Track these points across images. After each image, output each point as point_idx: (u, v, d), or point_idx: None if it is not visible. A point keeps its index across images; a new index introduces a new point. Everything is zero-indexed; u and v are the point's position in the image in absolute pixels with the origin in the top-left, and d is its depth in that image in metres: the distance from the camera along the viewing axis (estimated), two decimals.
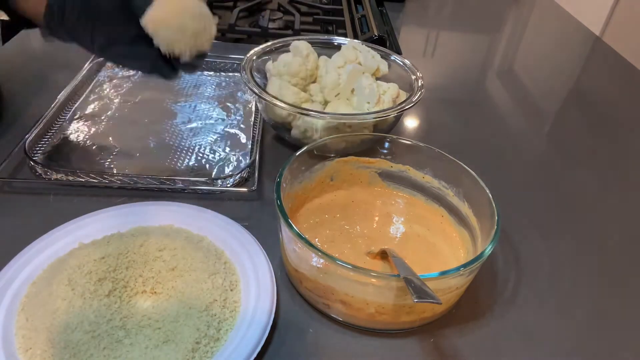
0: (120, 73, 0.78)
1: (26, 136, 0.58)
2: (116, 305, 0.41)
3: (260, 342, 0.39)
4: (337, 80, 0.64)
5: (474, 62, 1.02)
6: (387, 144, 0.55)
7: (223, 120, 0.70)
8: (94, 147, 0.61)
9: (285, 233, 0.43)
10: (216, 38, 0.93)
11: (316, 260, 0.41)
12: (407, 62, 0.69)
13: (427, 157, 0.53)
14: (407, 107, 0.60)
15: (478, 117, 0.81)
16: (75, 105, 0.69)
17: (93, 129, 0.65)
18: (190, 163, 0.61)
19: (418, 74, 0.66)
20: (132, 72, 0.79)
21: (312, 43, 0.69)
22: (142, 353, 0.38)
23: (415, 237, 0.51)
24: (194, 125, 0.68)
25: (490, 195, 0.46)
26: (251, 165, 0.59)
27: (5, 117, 0.66)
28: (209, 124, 0.68)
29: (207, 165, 0.61)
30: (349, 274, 0.39)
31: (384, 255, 0.47)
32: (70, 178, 0.55)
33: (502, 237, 0.54)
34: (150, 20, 0.46)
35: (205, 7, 0.50)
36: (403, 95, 0.66)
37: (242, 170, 0.58)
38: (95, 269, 0.42)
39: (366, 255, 0.47)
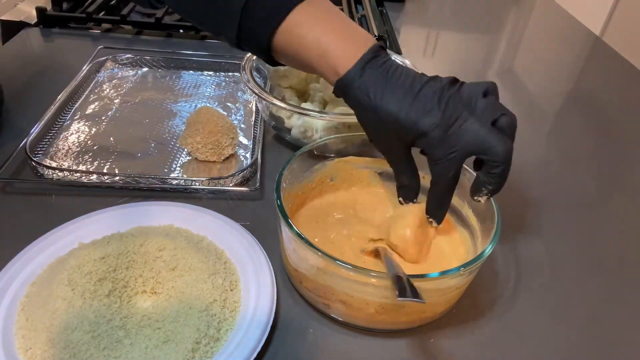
0: (120, 73, 0.78)
1: (27, 137, 0.58)
2: (116, 305, 0.41)
3: (260, 342, 0.39)
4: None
5: (474, 62, 1.02)
6: None
7: None
8: (95, 147, 0.61)
9: (285, 233, 0.43)
10: (216, 38, 0.92)
11: (316, 260, 0.41)
12: (407, 62, 0.69)
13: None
14: None
15: None
16: (76, 106, 0.69)
17: (94, 129, 0.65)
18: (191, 163, 0.61)
19: None
20: (131, 73, 0.79)
21: None
22: (142, 353, 0.38)
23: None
24: None
25: None
26: (253, 165, 0.59)
27: (6, 117, 0.66)
28: None
29: (208, 165, 0.61)
30: (349, 274, 0.39)
31: (377, 253, 0.47)
32: (72, 178, 0.55)
33: (502, 237, 0.54)
34: None
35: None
36: None
37: (245, 170, 0.58)
38: (95, 269, 0.42)
39: (360, 252, 0.48)
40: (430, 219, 0.46)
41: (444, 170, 0.42)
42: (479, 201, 0.44)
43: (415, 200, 0.48)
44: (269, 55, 0.47)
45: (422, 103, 0.40)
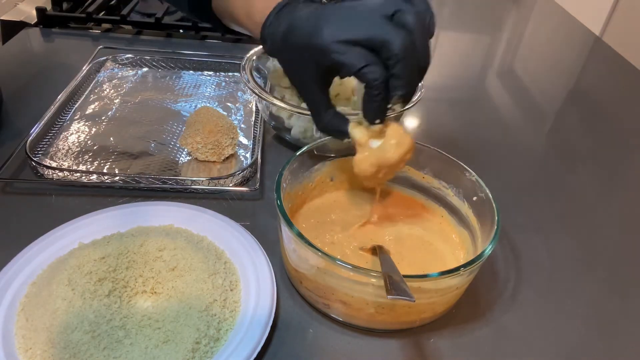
0: (120, 73, 0.78)
1: (27, 137, 0.58)
2: (116, 305, 0.41)
3: (260, 342, 0.39)
4: (337, 80, 0.64)
5: (474, 62, 1.02)
6: None
7: None
8: (95, 147, 0.61)
9: (285, 233, 0.43)
10: (216, 38, 0.93)
11: (316, 260, 0.41)
12: None
13: (427, 157, 0.53)
14: (407, 107, 0.60)
15: (478, 117, 0.81)
16: (76, 106, 0.69)
17: (94, 129, 0.65)
18: (191, 163, 0.61)
19: None
20: (131, 73, 0.79)
21: None
22: (142, 353, 0.38)
23: (415, 237, 0.51)
24: None
25: (490, 195, 0.46)
26: (253, 165, 0.59)
27: (6, 117, 0.66)
28: None
29: (208, 165, 0.61)
30: (349, 274, 0.39)
31: (374, 251, 0.47)
32: (72, 178, 0.55)
33: (502, 237, 0.54)
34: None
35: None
36: None
37: (245, 170, 0.58)
38: (95, 269, 0.42)
39: (358, 250, 0.48)
40: (377, 121, 0.42)
41: (359, 71, 0.38)
42: (393, 110, 0.41)
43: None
44: (216, 18, 0.50)
45: (320, 20, 0.40)
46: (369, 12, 0.38)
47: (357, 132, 0.44)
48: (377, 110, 0.41)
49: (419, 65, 0.40)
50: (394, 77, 0.38)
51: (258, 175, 0.58)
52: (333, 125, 0.44)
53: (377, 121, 0.42)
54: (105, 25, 0.94)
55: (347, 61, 0.38)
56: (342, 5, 0.40)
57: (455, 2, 1.36)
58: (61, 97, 0.66)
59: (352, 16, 0.39)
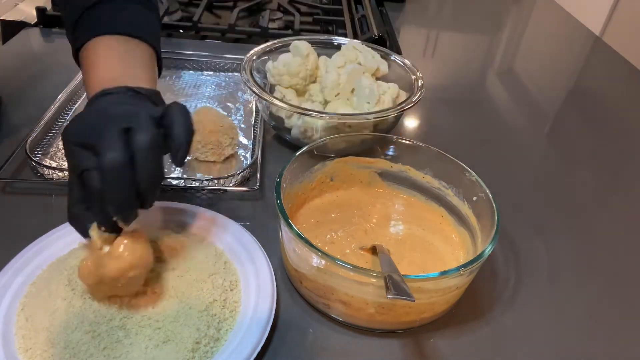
0: None
1: (27, 137, 0.58)
2: (116, 305, 0.41)
3: (260, 342, 0.39)
4: (337, 80, 0.64)
5: (474, 62, 1.02)
6: (387, 144, 0.55)
7: None
8: None
9: (285, 233, 0.43)
10: (216, 38, 0.92)
11: (316, 260, 0.41)
12: (407, 62, 0.69)
13: (427, 157, 0.53)
14: (407, 107, 0.60)
15: (478, 117, 0.81)
16: (76, 106, 0.69)
17: None
18: (191, 163, 0.61)
19: (418, 74, 0.66)
20: None
21: (312, 43, 0.69)
22: (142, 353, 0.38)
23: (415, 237, 0.51)
24: None
25: (490, 195, 0.46)
26: (253, 165, 0.59)
27: (6, 117, 0.66)
28: None
29: (208, 165, 0.61)
30: (349, 274, 0.39)
31: (374, 251, 0.47)
32: None
33: (502, 237, 0.54)
34: None
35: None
36: (403, 95, 0.66)
37: (245, 170, 0.58)
38: None
39: (358, 249, 0.48)
40: (102, 228, 0.39)
41: (81, 173, 0.37)
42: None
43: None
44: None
45: (76, 117, 0.39)
46: (107, 118, 0.37)
47: (94, 234, 0.39)
48: (98, 217, 0.39)
49: (137, 182, 0.37)
50: (104, 189, 0.36)
51: (258, 175, 0.58)
52: (78, 217, 0.40)
53: (102, 228, 0.39)
54: None
55: (70, 161, 0.38)
56: (92, 108, 0.41)
57: (455, 2, 1.36)
58: (61, 97, 0.66)
59: (91, 119, 0.38)
